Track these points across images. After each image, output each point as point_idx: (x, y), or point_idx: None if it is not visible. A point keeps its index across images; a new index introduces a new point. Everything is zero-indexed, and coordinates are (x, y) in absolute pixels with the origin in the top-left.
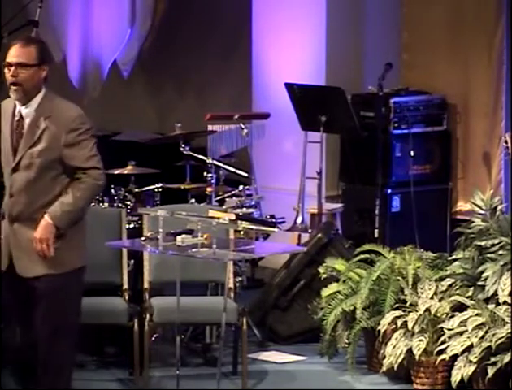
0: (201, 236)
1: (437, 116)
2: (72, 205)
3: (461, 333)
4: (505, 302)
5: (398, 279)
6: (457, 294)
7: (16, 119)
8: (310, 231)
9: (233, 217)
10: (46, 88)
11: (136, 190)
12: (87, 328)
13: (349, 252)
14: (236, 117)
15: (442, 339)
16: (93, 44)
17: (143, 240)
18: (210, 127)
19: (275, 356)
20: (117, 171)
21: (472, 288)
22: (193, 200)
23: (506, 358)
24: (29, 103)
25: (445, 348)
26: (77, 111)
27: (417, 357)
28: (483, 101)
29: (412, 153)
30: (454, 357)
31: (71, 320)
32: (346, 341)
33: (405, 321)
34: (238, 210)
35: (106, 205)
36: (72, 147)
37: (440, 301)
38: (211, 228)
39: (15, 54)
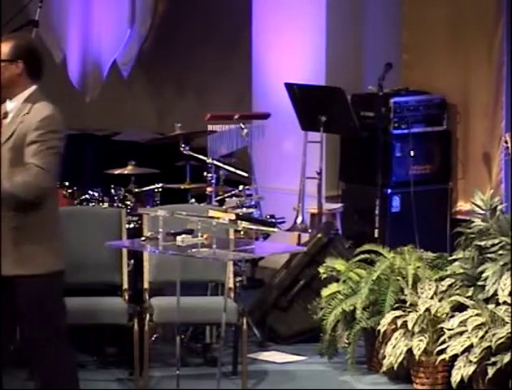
0: (201, 236)
1: (437, 116)
2: (12, 186)
3: (461, 333)
4: (505, 302)
5: (398, 279)
6: (457, 294)
7: (3, 112)
8: (310, 231)
9: (233, 217)
10: (39, 87)
11: (136, 190)
12: (87, 328)
13: (349, 252)
14: (236, 117)
15: (442, 339)
16: (93, 44)
17: (143, 240)
18: (210, 127)
19: (275, 356)
20: (117, 171)
21: (472, 288)
22: (193, 200)
23: (506, 358)
24: (15, 99)
25: (445, 348)
26: (49, 112)
27: (417, 357)
28: (483, 102)
29: (412, 153)
30: (454, 357)
31: (50, 323)
32: (346, 341)
33: (405, 321)
34: (238, 210)
35: (106, 205)
36: (31, 144)
37: (440, 301)
38: (211, 228)
39: None
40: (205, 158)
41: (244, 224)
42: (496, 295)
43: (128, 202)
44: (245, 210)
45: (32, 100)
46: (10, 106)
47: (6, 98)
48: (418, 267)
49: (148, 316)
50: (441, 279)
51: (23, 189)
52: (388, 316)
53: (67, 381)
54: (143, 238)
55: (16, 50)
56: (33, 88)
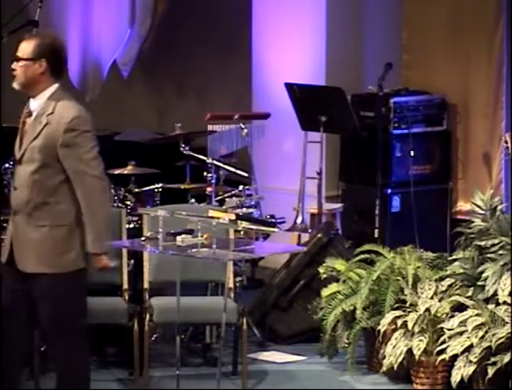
0: (201, 236)
1: (437, 116)
2: (94, 227)
3: (461, 333)
4: (505, 302)
5: (398, 279)
6: (457, 294)
7: (26, 111)
8: (310, 231)
9: (233, 217)
10: (60, 85)
11: (136, 190)
12: (87, 328)
13: (349, 252)
14: (236, 117)
15: (442, 339)
16: (93, 44)
17: (143, 240)
18: (210, 127)
19: (275, 356)
20: (117, 171)
21: (472, 288)
22: (193, 200)
23: (506, 358)
24: (37, 97)
25: (445, 348)
26: (78, 112)
27: (417, 357)
28: (483, 101)
29: (412, 153)
30: (454, 357)
31: (70, 321)
32: (346, 341)
33: (405, 321)
34: (238, 210)
35: None
36: (68, 147)
37: (440, 301)
38: (211, 228)
39: (18, 48)
40: (205, 158)
41: (244, 224)
42: (496, 295)
43: (128, 202)
44: (245, 210)
45: (56, 98)
46: (33, 104)
47: (29, 96)
48: (418, 267)
49: (148, 316)
50: (441, 279)
51: (99, 203)
52: (388, 316)
53: (79, 380)
54: (143, 238)
55: (40, 49)
56: (56, 86)
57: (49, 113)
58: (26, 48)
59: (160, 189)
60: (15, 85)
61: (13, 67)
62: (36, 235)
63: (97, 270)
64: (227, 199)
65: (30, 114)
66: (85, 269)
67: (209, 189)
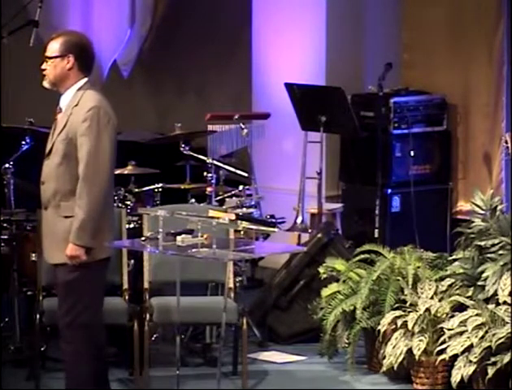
0: (201, 236)
1: (437, 116)
2: (80, 219)
3: (461, 333)
4: (505, 302)
5: (398, 279)
6: (457, 294)
7: (58, 106)
8: (310, 231)
9: (233, 217)
10: (89, 79)
11: (136, 190)
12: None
13: (349, 252)
14: (236, 117)
15: (442, 339)
16: (93, 44)
17: (143, 240)
18: (210, 127)
19: (275, 356)
20: (117, 171)
21: (472, 288)
22: (193, 200)
23: (506, 358)
24: (66, 93)
25: (445, 348)
26: (96, 102)
27: (417, 357)
28: (484, 101)
29: (412, 153)
30: (454, 357)
31: (84, 312)
32: (346, 341)
33: (405, 321)
34: (238, 210)
35: None
36: (81, 137)
37: (440, 301)
38: (211, 228)
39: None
40: (205, 158)
41: (244, 224)
42: (496, 295)
43: (128, 202)
44: (245, 210)
45: (82, 91)
46: (63, 100)
47: (60, 93)
48: (418, 267)
49: (148, 316)
50: (441, 279)
51: (93, 199)
52: (388, 316)
53: (82, 378)
54: (143, 238)
55: (66, 45)
56: (84, 80)
57: (74, 105)
58: (53, 46)
59: (160, 189)
60: (45, 84)
61: (43, 67)
62: (62, 226)
63: (68, 259)
64: (227, 199)
65: (61, 110)
66: (108, 259)
67: (209, 189)
